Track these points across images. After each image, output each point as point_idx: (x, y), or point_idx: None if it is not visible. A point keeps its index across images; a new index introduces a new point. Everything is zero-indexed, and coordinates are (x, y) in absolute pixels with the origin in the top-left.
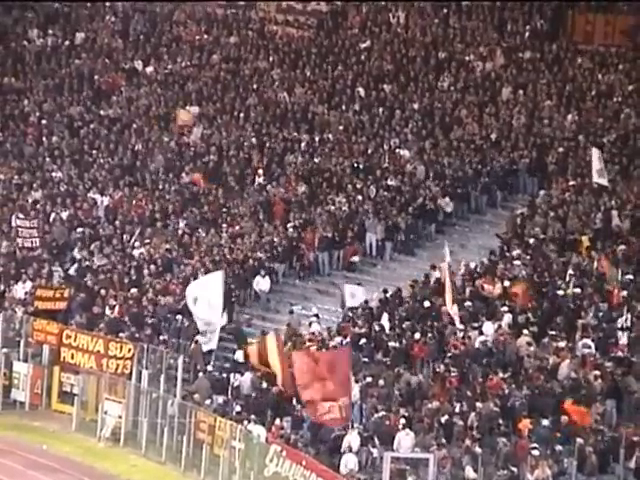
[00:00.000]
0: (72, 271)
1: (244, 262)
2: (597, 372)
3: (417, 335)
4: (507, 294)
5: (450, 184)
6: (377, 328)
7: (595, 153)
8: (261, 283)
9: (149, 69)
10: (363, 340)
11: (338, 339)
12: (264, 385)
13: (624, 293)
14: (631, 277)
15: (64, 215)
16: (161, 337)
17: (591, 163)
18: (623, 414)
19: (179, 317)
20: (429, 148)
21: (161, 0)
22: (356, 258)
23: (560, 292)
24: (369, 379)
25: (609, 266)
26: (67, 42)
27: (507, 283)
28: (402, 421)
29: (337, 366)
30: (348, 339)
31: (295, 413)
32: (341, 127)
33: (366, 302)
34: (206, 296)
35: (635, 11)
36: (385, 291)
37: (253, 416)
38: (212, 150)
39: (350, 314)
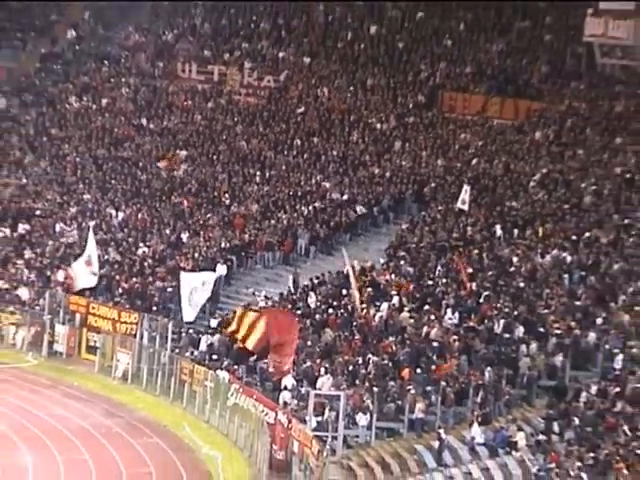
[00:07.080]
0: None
1: (214, 258)
2: (455, 337)
3: (331, 311)
4: (394, 283)
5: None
6: (306, 305)
7: (466, 189)
8: (220, 269)
9: (151, 124)
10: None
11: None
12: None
13: (474, 285)
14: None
15: (91, 224)
16: (156, 308)
17: (455, 194)
18: (472, 365)
19: (169, 296)
20: (346, 182)
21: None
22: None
23: (431, 282)
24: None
25: (464, 270)
26: (95, 105)
27: (393, 276)
28: (322, 370)
29: (289, 328)
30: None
31: (249, 364)
32: (284, 167)
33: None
34: (201, 287)
35: (485, 92)
36: (311, 279)
37: (225, 362)
38: (193, 181)
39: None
